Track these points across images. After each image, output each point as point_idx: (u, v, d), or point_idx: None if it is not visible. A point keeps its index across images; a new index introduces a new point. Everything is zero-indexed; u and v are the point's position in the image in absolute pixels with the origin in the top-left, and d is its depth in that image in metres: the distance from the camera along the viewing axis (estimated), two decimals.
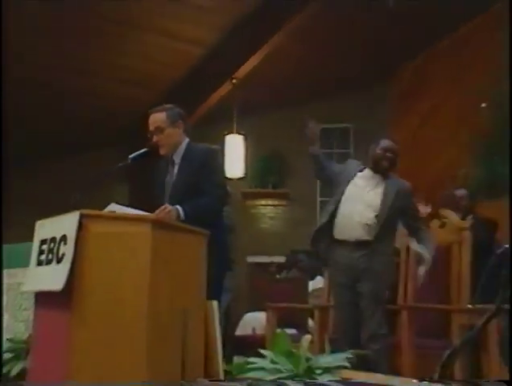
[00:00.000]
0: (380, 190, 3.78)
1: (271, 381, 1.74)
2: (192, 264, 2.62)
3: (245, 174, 7.97)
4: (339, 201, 3.78)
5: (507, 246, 1.69)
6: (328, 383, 1.61)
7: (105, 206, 2.67)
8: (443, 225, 3.98)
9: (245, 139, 7.86)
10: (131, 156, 3.21)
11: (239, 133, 7.79)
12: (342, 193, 3.79)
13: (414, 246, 3.76)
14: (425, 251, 3.68)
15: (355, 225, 3.71)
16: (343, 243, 3.74)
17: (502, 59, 5.60)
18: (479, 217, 4.84)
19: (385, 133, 6.31)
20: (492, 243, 4.36)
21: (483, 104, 5.78)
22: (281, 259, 7.75)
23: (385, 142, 3.87)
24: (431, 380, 1.55)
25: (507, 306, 3.23)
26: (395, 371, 3.49)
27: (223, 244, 3.32)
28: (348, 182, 3.82)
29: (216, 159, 3.41)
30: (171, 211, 3.01)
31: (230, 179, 7.45)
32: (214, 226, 2.96)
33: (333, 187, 3.92)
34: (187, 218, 3.02)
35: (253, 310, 6.55)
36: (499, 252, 1.67)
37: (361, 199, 3.74)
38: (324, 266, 4.23)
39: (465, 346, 2.13)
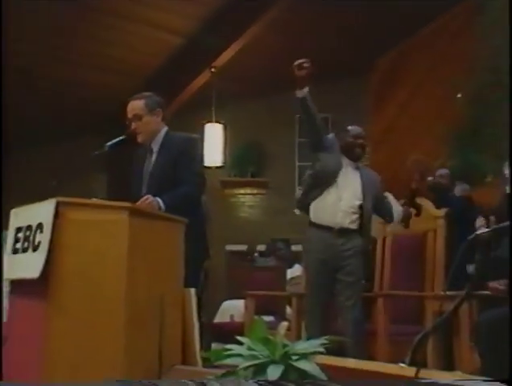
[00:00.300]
0: (359, 179, 3.78)
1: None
2: (169, 251, 2.61)
3: (225, 162, 7.96)
4: (330, 185, 3.70)
5: (478, 232, 1.70)
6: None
7: (84, 194, 2.63)
8: (418, 214, 4.00)
9: (225, 128, 7.84)
10: (108, 144, 3.17)
11: (219, 122, 7.77)
12: (336, 177, 3.71)
13: (395, 203, 3.77)
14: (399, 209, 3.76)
15: (340, 212, 3.67)
16: (325, 229, 3.70)
17: (477, 50, 5.62)
18: (455, 195, 4.98)
19: (363, 122, 6.34)
20: (473, 211, 4.43)
21: (458, 95, 5.82)
22: (261, 247, 7.77)
23: (354, 129, 3.84)
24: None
25: (484, 292, 3.26)
26: (371, 358, 3.52)
27: (201, 232, 3.31)
28: (341, 165, 3.75)
29: (195, 148, 3.39)
30: (152, 202, 2.98)
31: (209, 168, 7.43)
32: (192, 214, 2.95)
33: (320, 153, 3.77)
34: (168, 208, 3.00)
35: (232, 298, 6.56)
36: (470, 238, 1.68)
37: (346, 186, 3.72)
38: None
39: (436, 331, 2.14)
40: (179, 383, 1.71)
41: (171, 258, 2.61)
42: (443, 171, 5.23)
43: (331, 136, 3.89)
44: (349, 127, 3.85)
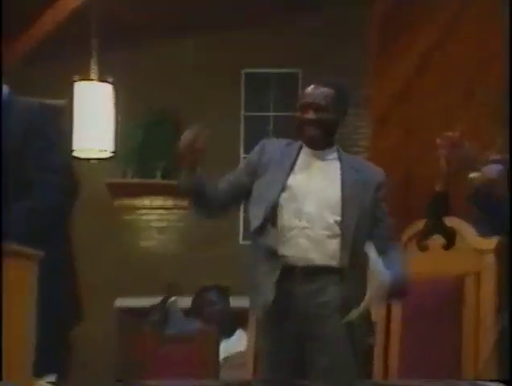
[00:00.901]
0: (335, 180, 3.79)
1: None
2: (8, 305, 2.64)
3: (114, 151, 7.92)
4: (276, 205, 3.73)
5: None
6: None
7: None
8: (449, 245, 4.07)
9: (115, 91, 7.79)
10: None
11: (103, 81, 7.72)
12: (281, 190, 3.74)
13: (373, 256, 3.67)
14: (384, 270, 3.64)
15: (302, 238, 3.69)
16: (283, 269, 3.67)
17: None
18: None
19: (357, 85, 6.41)
20: None
21: None
22: (180, 301, 7.76)
23: (308, 93, 3.84)
24: None
25: None
26: None
27: (66, 275, 3.35)
28: (289, 170, 3.79)
29: (56, 123, 3.43)
30: None
31: (86, 160, 7.40)
32: (51, 242, 3.00)
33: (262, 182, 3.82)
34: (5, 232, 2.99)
35: None
36: None
37: (310, 195, 3.74)
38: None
39: None
40: None
41: (9, 317, 2.64)
42: (497, 167, 5.32)
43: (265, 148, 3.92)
44: (306, 88, 3.85)
